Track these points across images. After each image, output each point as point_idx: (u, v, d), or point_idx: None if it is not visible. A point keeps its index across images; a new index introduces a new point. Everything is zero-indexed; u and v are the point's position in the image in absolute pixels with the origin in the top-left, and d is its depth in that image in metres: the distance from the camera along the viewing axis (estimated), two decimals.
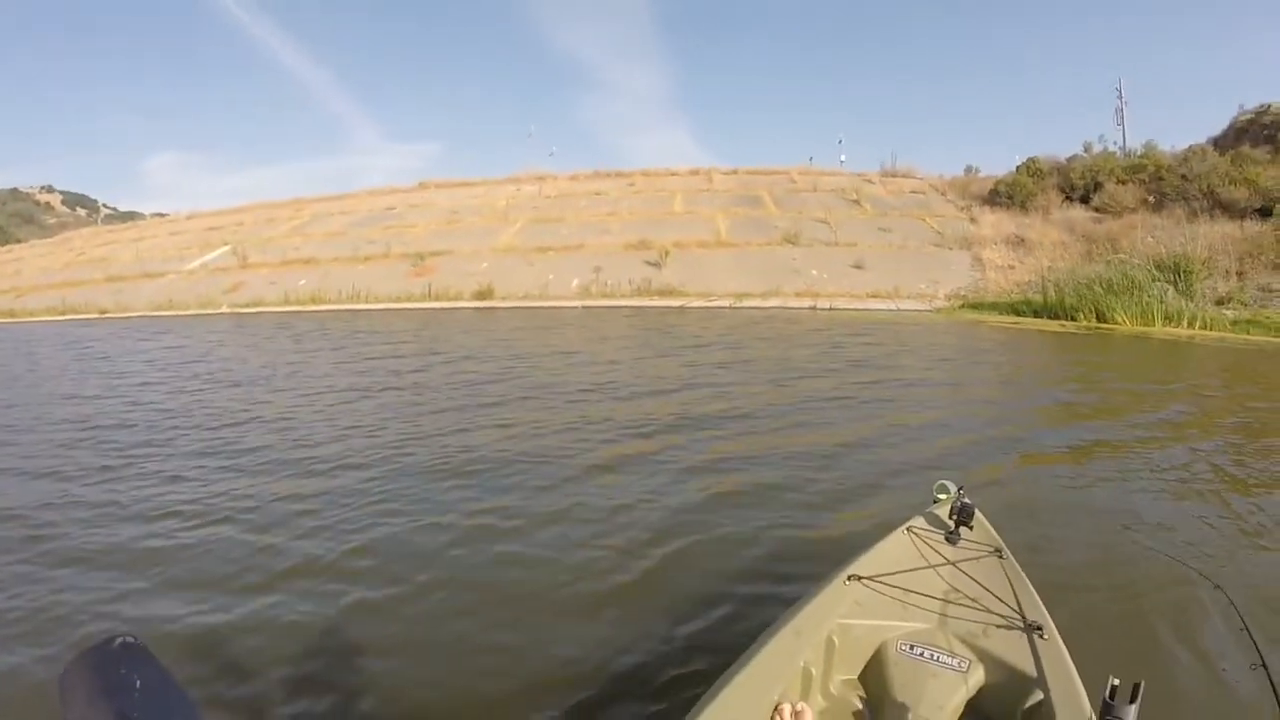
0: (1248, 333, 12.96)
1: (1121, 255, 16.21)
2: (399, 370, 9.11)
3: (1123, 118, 27.53)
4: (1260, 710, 2.00)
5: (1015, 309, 15.39)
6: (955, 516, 2.06)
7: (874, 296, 17.71)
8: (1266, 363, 10.07)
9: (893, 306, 16.68)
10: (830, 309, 16.45)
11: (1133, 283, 14.19)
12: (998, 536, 2.10)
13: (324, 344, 12.46)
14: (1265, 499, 3.99)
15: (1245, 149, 20.95)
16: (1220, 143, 24.24)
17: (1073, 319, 14.08)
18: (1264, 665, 1.60)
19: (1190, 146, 22.40)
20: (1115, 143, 26.11)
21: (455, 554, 3.35)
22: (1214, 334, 12.98)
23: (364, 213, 29.71)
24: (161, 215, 43.56)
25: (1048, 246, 19.04)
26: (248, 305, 21.75)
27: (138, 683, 0.66)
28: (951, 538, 2.03)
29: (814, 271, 19.56)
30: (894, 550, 1.97)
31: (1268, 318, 13.83)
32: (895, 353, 10.24)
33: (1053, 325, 13.89)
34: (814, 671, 1.55)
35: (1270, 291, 15.37)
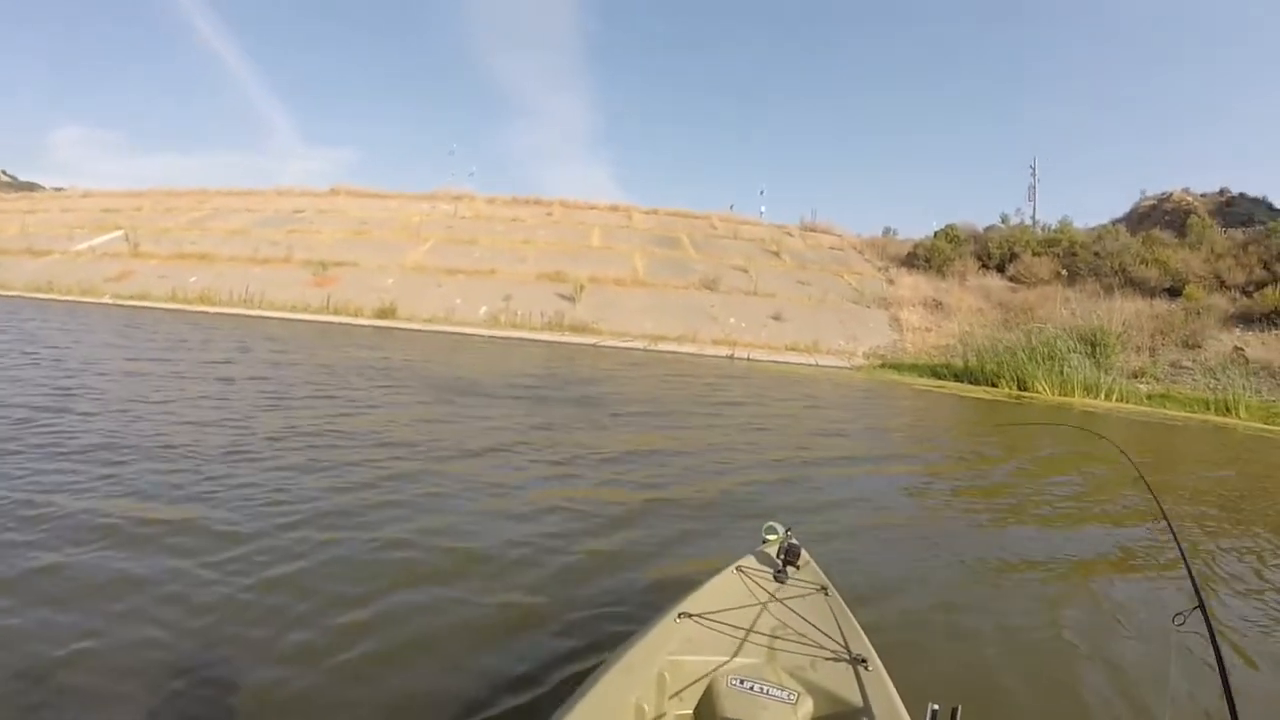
0: (1163, 406, 12.97)
1: (1039, 324, 15.95)
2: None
3: (1035, 194, 28.95)
4: None
5: (935, 372, 15.04)
6: (783, 556, 2.06)
7: (792, 349, 17.15)
8: (1182, 437, 9.61)
9: (811, 361, 16.16)
10: (749, 359, 15.98)
11: (1053, 351, 13.95)
12: (824, 575, 2.08)
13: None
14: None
15: (1155, 231, 21.83)
16: (1125, 224, 25.54)
17: (994, 385, 13.69)
18: None
19: (1102, 225, 23.16)
20: (1029, 216, 27.00)
21: None
22: (1131, 406, 12.88)
23: (270, 212, 27.31)
24: (60, 190, 39.61)
25: (964, 312, 18.96)
26: (132, 297, 19.42)
27: None
28: (780, 576, 2.03)
29: (732, 319, 18.82)
30: (724, 588, 1.95)
31: (1180, 392, 13.95)
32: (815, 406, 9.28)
33: (975, 391, 13.32)
34: (646, 707, 1.51)
35: (1180, 368, 15.50)
